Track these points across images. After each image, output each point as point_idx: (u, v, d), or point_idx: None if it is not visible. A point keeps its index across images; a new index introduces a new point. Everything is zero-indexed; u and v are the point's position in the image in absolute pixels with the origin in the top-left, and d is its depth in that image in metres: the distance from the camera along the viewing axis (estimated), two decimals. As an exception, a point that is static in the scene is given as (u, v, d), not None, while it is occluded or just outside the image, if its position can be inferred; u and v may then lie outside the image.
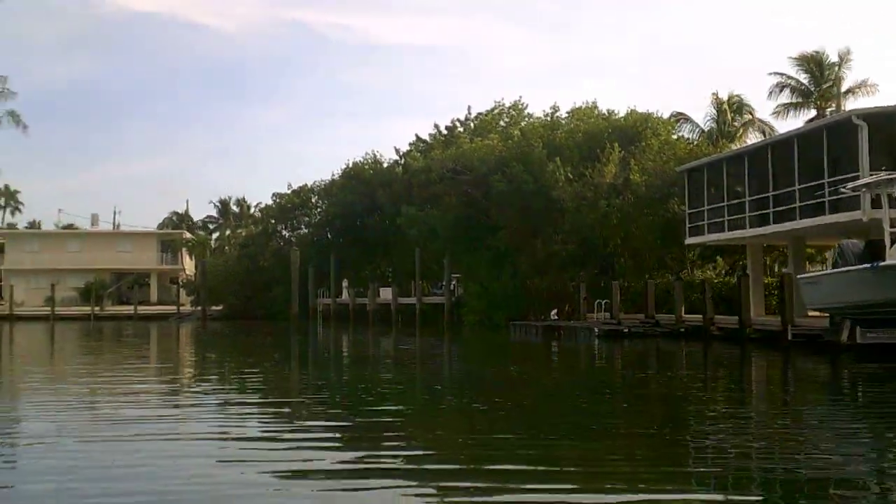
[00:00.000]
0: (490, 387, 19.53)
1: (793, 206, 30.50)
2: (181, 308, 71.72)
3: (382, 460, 10.50)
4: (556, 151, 49.28)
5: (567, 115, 55.86)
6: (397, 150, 67.12)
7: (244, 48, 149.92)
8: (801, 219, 30.16)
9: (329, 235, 68.48)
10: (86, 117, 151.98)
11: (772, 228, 32.19)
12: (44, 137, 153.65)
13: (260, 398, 17.73)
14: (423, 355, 32.66)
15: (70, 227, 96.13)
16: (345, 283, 63.08)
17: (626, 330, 36.51)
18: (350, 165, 68.16)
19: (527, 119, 59.99)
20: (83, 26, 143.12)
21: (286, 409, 15.90)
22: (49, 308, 68.44)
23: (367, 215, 64.16)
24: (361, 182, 65.45)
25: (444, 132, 63.10)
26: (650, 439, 11.95)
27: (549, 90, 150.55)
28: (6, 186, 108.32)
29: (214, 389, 20.08)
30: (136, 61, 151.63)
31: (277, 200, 72.99)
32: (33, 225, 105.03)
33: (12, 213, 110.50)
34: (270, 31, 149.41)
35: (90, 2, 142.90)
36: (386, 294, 59.19)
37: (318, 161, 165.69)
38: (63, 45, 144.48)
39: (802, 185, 29.95)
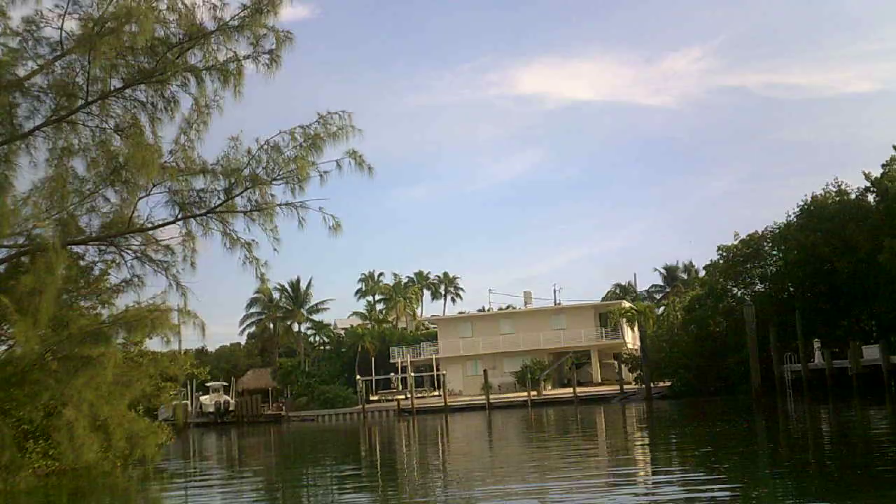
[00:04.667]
0: None
1: None
2: (625, 387, 63.15)
3: None
4: None
5: None
6: (867, 175, 53.96)
7: (686, 121, 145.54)
8: None
9: (790, 287, 57.01)
10: (532, 205, 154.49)
11: None
12: (492, 228, 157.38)
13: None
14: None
15: (508, 308, 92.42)
16: (816, 344, 51.73)
17: None
18: (808, 201, 56.40)
19: None
20: (530, 123, 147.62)
21: None
22: (484, 396, 63.33)
23: (836, 258, 52.41)
24: (824, 219, 54.23)
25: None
26: None
27: None
28: (444, 274, 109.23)
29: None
30: (583, 149, 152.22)
31: (724, 254, 62.46)
32: (482, 311, 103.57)
33: (453, 301, 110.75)
34: (709, 101, 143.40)
35: (534, 100, 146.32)
36: (871, 353, 47.80)
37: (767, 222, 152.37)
38: (511, 143, 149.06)
39: None
